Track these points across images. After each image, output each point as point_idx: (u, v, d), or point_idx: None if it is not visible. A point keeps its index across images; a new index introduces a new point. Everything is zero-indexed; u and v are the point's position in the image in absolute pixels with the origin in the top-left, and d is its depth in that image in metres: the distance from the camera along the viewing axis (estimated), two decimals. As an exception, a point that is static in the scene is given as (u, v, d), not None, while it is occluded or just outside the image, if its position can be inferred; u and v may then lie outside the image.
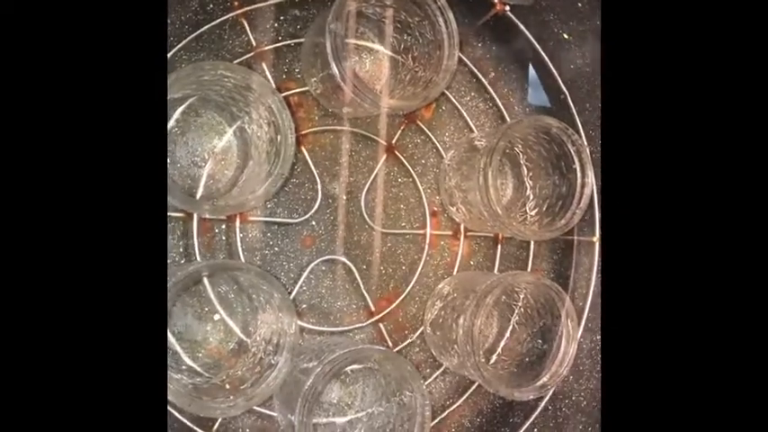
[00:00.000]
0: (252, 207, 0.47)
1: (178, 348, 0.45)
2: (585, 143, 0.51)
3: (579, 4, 0.47)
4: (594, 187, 0.51)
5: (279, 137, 0.41)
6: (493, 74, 0.55)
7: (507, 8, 0.49)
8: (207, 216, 0.47)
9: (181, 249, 0.47)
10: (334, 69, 0.42)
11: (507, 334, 0.53)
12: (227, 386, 0.44)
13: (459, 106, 0.54)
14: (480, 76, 0.54)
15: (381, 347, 0.45)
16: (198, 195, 0.46)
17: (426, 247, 0.53)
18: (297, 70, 0.50)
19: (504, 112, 0.55)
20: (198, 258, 0.47)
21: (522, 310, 0.53)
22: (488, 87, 0.55)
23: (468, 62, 0.54)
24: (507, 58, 0.55)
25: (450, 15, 0.43)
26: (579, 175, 0.47)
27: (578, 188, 0.48)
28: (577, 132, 0.52)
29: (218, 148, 0.47)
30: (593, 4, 0.46)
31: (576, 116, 0.52)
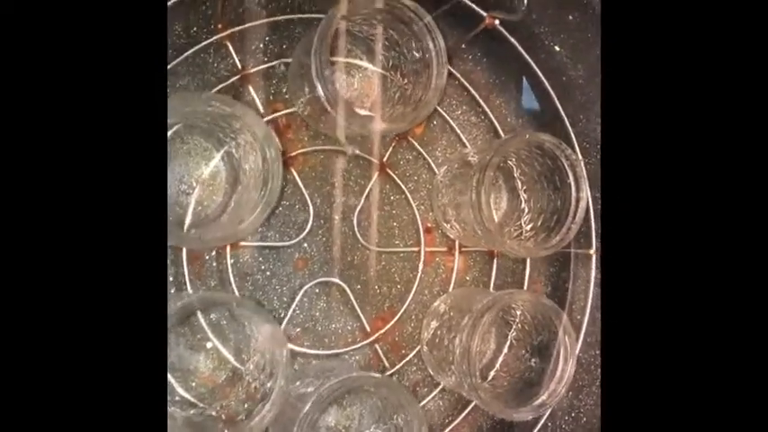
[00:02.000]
0: (239, 239, 0.46)
1: (171, 379, 0.44)
2: (580, 156, 0.50)
3: (570, 17, 0.46)
4: (590, 200, 0.50)
5: (266, 165, 0.40)
6: (484, 87, 0.54)
7: (497, 22, 0.48)
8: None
9: (171, 278, 0.46)
10: (320, 93, 0.41)
11: (505, 349, 0.53)
12: (223, 417, 0.43)
13: (450, 121, 0.53)
14: (471, 89, 0.54)
15: (376, 375, 0.45)
16: (186, 223, 0.45)
17: (421, 264, 0.52)
18: (284, 91, 0.49)
19: (497, 125, 0.54)
20: (188, 286, 0.46)
21: (519, 326, 0.52)
22: (480, 101, 0.54)
23: (459, 75, 0.53)
24: (498, 71, 0.54)
25: (439, 35, 0.43)
26: (574, 189, 0.47)
27: (573, 202, 0.47)
28: (571, 145, 0.51)
29: (206, 174, 0.46)
30: (584, 17, 0.45)
31: (570, 128, 0.51)
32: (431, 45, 0.43)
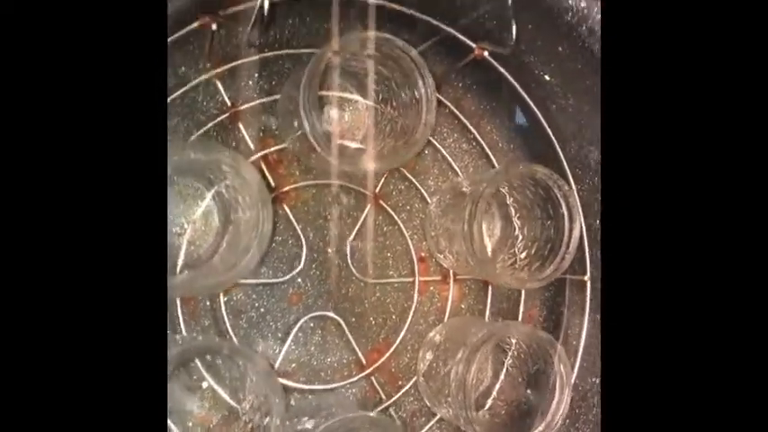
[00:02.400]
0: (229, 286, 0.46)
1: (167, 421, 0.44)
2: (572, 183, 0.50)
3: (560, 48, 0.46)
4: (583, 228, 0.50)
5: (256, 210, 0.40)
6: (474, 113, 0.54)
7: (486, 53, 0.48)
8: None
9: (165, 318, 0.46)
10: (308, 130, 0.41)
11: (501, 376, 0.53)
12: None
13: (441, 149, 0.53)
14: (461, 116, 0.53)
15: (370, 414, 0.45)
16: (179, 265, 0.45)
17: (416, 294, 0.52)
18: (274, 126, 0.49)
19: (489, 152, 0.54)
20: (183, 327, 0.46)
21: (515, 353, 0.52)
22: (470, 128, 0.54)
23: (449, 103, 0.53)
24: (488, 97, 0.54)
25: (427, 73, 0.43)
26: (567, 219, 0.47)
27: (566, 232, 0.47)
28: (563, 171, 0.51)
29: (198, 214, 0.46)
30: (573, 49, 0.45)
31: (562, 154, 0.51)
32: (420, 82, 0.43)
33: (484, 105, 0.55)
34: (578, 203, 0.46)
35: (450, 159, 0.53)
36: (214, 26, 0.40)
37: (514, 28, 0.41)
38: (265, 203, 0.40)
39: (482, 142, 0.54)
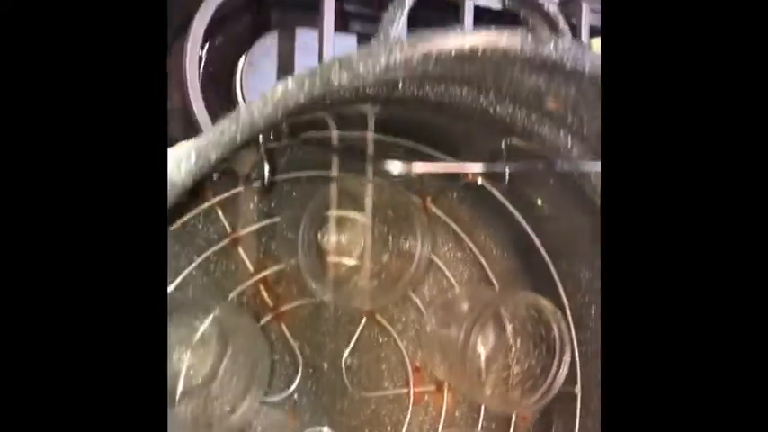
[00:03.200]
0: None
1: None
2: (565, 300, 0.52)
3: (552, 180, 0.47)
4: (574, 342, 0.52)
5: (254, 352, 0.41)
6: (468, 223, 0.55)
7: (479, 180, 0.49)
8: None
9: (163, 441, 0.47)
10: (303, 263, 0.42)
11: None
12: None
13: (435, 259, 0.54)
14: (455, 226, 0.55)
15: None
16: (178, 390, 0.45)
17: (410, 404, 0.53)
18: (273, 247, 0.50)
19: (483, 262, 0.55)
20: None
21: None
22: (464, 237, 0.55)
23: (442, 214, 0.54)
24: (481, 208, 0.56)
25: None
26: (558, 346, 0.48)
27: (557, 357, 0.48)
28: (554, 285, 0.53)
29: (197, 338, 0.47)
30: (564, 182, 0.46)
31: (553, 269, 0.53)
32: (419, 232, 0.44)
33: (477, 214, 0.56)
34: (571, 330, 0.48)
35: (444, 269, 0.55)
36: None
37: (507, 173, 0.42)
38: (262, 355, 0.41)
39: (475, 251, 0.55)
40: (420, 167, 0.39)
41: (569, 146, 0.39)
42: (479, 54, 0.28)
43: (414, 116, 0.42)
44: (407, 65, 0.26)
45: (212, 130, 0.23)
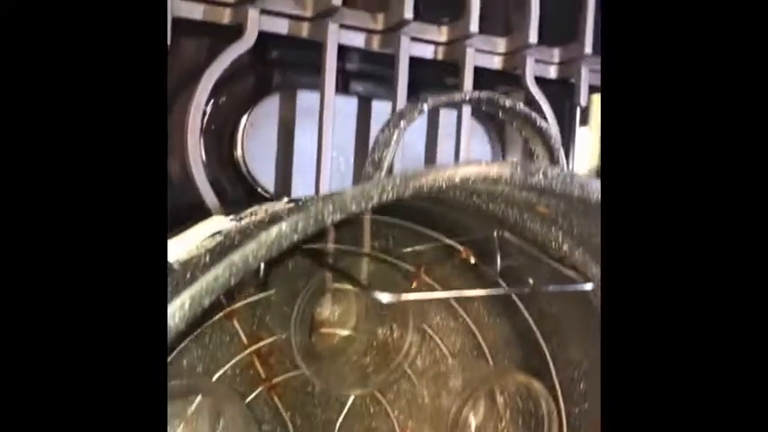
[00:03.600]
0: None
1: None
2: (557, 383, 0.52)
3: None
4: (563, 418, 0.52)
5: None
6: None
7: (472, 260, 0.50)
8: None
9: None
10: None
11: None
12: None
13: (428, 329, 0.55)
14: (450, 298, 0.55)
15: None
16: (170, 463, 0.46)
17: (400, 473, 0.54)
18: (267, 318, 0.51)
19: (476, 331, 0.56)
20: None
21: None
22: (456, 307, 0.56)
23: (434, 283, 0.55)
24: (474, 277, 0.56)
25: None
26: (546, 428, 0.49)
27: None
28: (545, 364, 0.53)
29: (191, 410, 0.47)
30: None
31: (546, 351, 0.53)
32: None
33: (470, 283, 0.57)
34: (560, 405, 0.48)
35: (437, 339, 0.55)
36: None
37: (499, 261, 0.43)
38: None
39: (468, 320, 0.56)
40: (410, 297, 0.40)
41: (561, 243, 0.40)
42: (470, 183, 0.29)
43: (411, 204, 0.43)
44: (399, 197, 0.27)
45: (206, 277, 0.23)
